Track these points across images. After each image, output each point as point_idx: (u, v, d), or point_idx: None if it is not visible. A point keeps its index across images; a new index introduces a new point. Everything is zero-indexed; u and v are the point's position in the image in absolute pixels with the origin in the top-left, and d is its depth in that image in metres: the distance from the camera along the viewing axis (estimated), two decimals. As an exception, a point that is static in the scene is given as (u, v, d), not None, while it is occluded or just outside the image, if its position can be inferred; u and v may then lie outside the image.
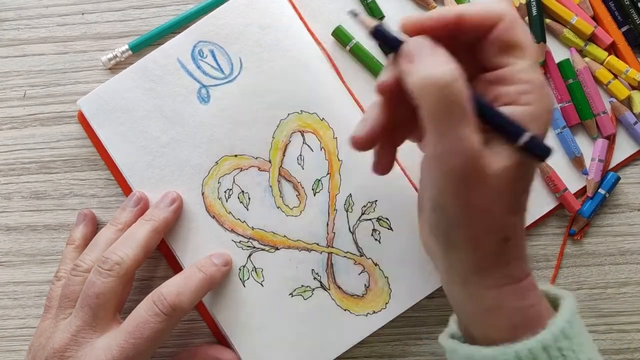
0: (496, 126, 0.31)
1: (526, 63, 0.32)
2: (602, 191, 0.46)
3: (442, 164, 0.30)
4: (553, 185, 0.46)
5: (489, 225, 0.32)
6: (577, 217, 0.47)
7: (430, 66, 0.30)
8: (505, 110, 0.31)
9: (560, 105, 0.47)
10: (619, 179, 0.46)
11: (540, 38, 0.46)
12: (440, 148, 0.30)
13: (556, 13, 0.47)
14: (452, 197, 0.31)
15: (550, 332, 0.32)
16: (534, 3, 0.46)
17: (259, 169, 0.45)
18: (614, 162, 0.47)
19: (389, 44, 0.32)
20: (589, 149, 0.47)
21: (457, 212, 0.32)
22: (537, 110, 0.31)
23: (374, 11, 0.46)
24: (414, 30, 0.32)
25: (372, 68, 0.46)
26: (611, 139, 0.47)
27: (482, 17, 0.32)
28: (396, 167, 0.45)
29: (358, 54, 0.46)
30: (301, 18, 0.46)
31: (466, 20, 0.32)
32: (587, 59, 0.47)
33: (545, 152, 0.31)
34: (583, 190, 0.47)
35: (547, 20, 0.47)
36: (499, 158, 0.31)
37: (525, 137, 0.30)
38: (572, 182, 0.47)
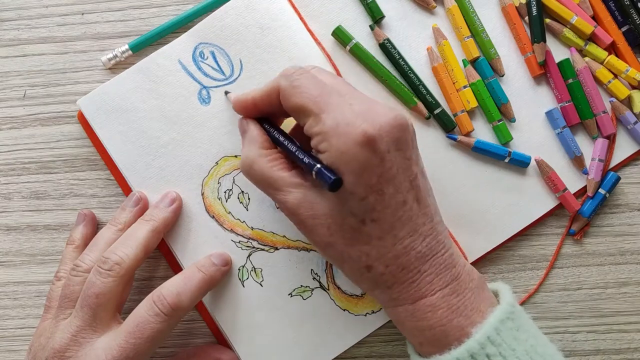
0: (302, 165, 0.37)
1: (310, 118, 0.36)
2: (602, 191, 0.46)
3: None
4: (553, 185, 0.46)
5: (340, 257, 0.37)
6: (577, 217, 0.47)
7: (243, 155, 0.39)
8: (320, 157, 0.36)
9: (560, 105, 0.47)
10: (619, 179, 0.46)
11: (540, 38, 0.46)
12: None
13: (556, 13, 0.46)
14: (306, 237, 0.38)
15: (475, 340, 0.34)
16: (533, 3, 0.46)
17: (259, 169, 0.45)
18: (614, 162, 0.47)
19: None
20: (589, 148, 0.47)
21: (316, 247, 0.38)
22: (334, 152, 0.34)
23: (374, 11, 0.46)
24: (240, 110, 0.41)
25: (372, 68, 0.46)
26: (611, 139, 0.47)
27: (267, 95, 0.39)
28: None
29: (358, 54, 0.46)
30: (301, 18, 0.46)
31: (257, 102, 0.39)
32: (587, 59, 0.47)
33: (333, 182, 0.34)
34: (583, 190, 0.47)
35: (547, 20, 0.47)
36: (325, 199, 0.36)
37: (315, 169, 0.35)
38: (572, 182, 0.47)
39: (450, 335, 0.35)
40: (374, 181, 0.34)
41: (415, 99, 0.46)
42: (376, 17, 0.46)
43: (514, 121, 0.47)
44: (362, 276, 0.37)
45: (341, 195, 0.35)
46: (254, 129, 0.40)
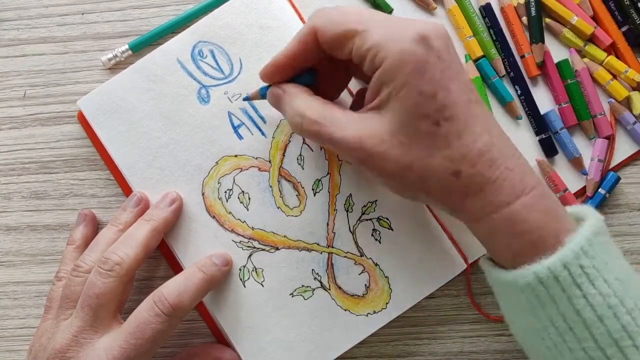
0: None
1: (356, 39, 0.35)
2: (602, 191, 0.46)
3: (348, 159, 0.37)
4: (553, 185, 0.46)
5: (422, 177, 0.35)
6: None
7: (288, 112, 0.38)
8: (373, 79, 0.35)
9: (558, 106, 0.47)
10: (619, 179, 0.46)
11: (539, 38, 0.46)
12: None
13: (556, 13, 0.47)
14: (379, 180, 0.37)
15: (570, 249, 0.32)
16: (532, 3, 0.46)
17: (259, 169, 0.45)
18: (614, 162, 0.47)
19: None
20: (587, 149, 0.47)
21: (393, 183, 0.36)
22: (393, 56, 0.33)
23: (383, 6, 0.46)
24: (271, 74, 0.39)
25: None
26: (611, 139, 0.47)
27: (302, 43, 0.37)
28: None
29: None
30: (301, 18, 0.46)
31: (293, 54, 0.37)
32: (586, 60, 0.47)
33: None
34: (583, 190, 0.47)
35: (547, 20, 0.47)
36: (388, 117, 0.34)
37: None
38: (572, 182, 0.47)
39: (547, 240, 0.33)
40: (438, 77, 0.33)
41: None
42: (385, 12, 0.47)
43: (521, 118, 0.47)
44: (451, 187, 0.34)
45: (410, 101, 0.33)
46: (291, 86, 0.38)
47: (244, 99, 0.45)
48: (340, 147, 0.35)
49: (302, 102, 0.37)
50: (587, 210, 0.36)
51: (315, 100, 0.37)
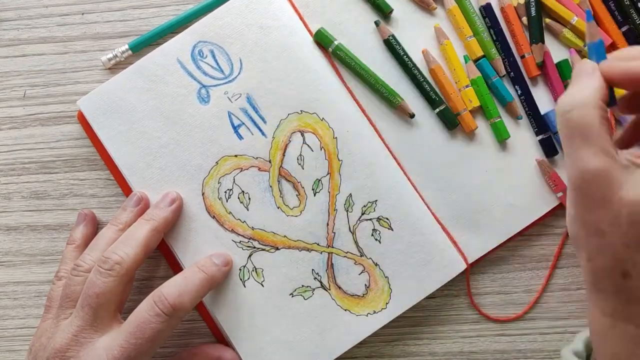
0: None
1: None
2: None
3: (568, 179, 0.33)
4: (554, 185, 0.46)
5: (602, 250, 0.31)
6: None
7: (569, 93, 0.33)
8: None
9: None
10: None
11: (538, 39, 0.46)
12: (567, 165, 0.32)
13: (556, 13, 0.47)
14: (571, 208, 0.33)
15: None
16: (532, 3, 0.46)
17: (259, 169, 0.45)
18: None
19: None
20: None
21: (574, 225, 0.33)
22: None
23: (383, 6, 0.46)
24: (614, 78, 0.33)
25: (355, 68, 0.46)
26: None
27: None
28: (397, 168, 0.45)
29: (341, 56, 0.46)
30: (301, 18, 0.46)
31: None
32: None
33: None
34: None
35: (547, 20, 0.47)
36: (635, 185, 0.30)
37: None
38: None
39: None
40: None
41: (400, 98, 0.46)
42: (385, 12, 0.46)
43: (521, 118, 0.47)
44: (611, 279, 0.32)
45: None
46: (602, 81, 0.33)
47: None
48: (575, 161, 0.32)
49: (591, 98, 0.32)
50: None
51: (600, 108, 0.32)
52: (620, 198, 0.30)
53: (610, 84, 0.33)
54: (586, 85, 0.33)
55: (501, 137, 0.46)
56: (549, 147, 0.47)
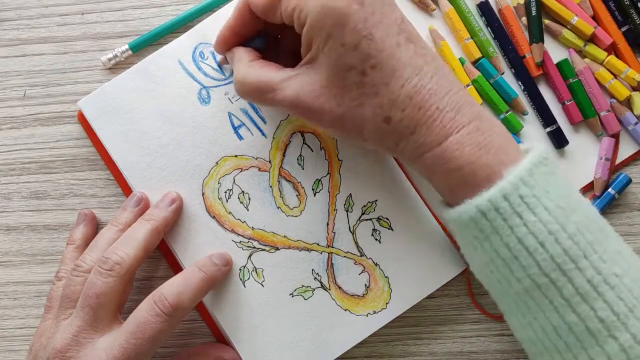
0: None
1: (282, 3, 0.36)
2: (611, 191, 0.46)
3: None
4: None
5: (355, 126, 0.36)
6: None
7: (234, 78, 0.40)
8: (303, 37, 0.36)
9: (561, 104, 0.47)
10: (630, 181, 0.46)
11: (538, 38, 0.46)
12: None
13: (556, 13, 0.47)
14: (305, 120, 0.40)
15: (508, 180, 0.33)
16: (533, 3, 0.46)
17: (259, 169, 0.45)
18: (616, 162, 0.47)
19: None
20: (593, 147, 0.47)
21: (331, 132, 0.40)
22: (313, 12, 0.34)
23: None
24: (221, 46, 0.42)
25: None
26: (617, 138, 0.47)
27: (238, 15, 0.40)
28: (397, 167, 0.45)
29: None
30: (301, 18, 0.46)
31: (233, 26, 0.40)
32: (586, 60, 0.47)
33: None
34: (590, 186, 0.47)
35: (546, 21, 0.47)
36: (319, 72, 0.36)
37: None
38: (580, 179, 0.47)
39: (478, 174, 0.34)
40: (360, 26, 0.34)
41: None
42: None
43: (527, 114, 0.47)
44: (385, 132, 0.36)
45: (334, 54, 0.34)
46: (239, 49, 0.41)
47: (217, 65, 0.46)
48: (281, 107, 0.38)
49: (243, 68, 0.39)
50: (536, 145, 0.36)
51: (254, 65, 0.39)
52: (323, 89, 0.36)
53: (238, 34, 0.41)
54: (235, 61, 0.40)
55: (515, 129, 0.46)
56: (559, 138, 0.47)
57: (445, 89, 0.35)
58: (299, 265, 0.45)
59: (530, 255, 0.33)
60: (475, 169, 0.34)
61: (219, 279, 0.43)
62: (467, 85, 0.46)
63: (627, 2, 0.47)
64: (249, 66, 0.39)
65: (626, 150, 0.47)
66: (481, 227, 0.34)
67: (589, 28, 0.46)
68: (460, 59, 0.47)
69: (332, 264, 0.45)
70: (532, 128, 0.47)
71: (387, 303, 0.45)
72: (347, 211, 0.45)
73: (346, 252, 0.45)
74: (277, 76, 0.37)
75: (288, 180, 0.45)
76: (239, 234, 0.45)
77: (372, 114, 0.35)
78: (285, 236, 0.45)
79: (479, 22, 0.47)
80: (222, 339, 0.46)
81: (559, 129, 0.46)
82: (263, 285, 0.45)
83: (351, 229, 0.45)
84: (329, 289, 0.45)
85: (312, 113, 0.37)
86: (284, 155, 0.45)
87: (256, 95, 0.38)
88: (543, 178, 0.34)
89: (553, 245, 0.33)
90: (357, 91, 0.35)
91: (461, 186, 0.35)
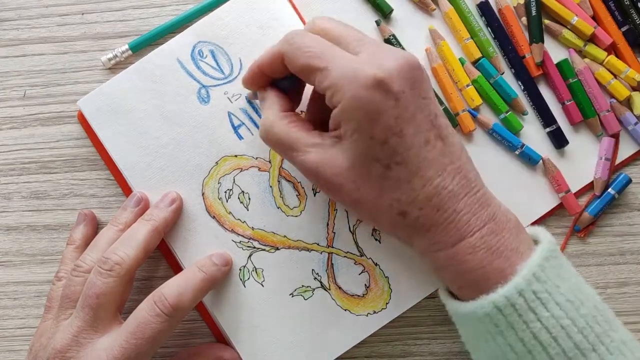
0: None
1: (318, 74, 0.35)
2: (611, 191, 0.46)
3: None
4: (557, 185, 0.46)
5: (371, 211, 0.37)
6: (583, 215, 0.47)
7: (262, 118, 0.39)
8: (332, 115, 0.36)
9: (561, 104, 0.47)
10: (630, 181, 0.46)
11: (538, 38, 0.46)
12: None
13: (556, 13, 0.47)
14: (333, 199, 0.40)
15: (523, 276, 0.34)
16: (533, 3, 0.46)
17: (259, 169, 0.45)
18: (616, 162, 0.47)
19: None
20: (593, 147, 0.47)
21: (346, 207, 0.39)
22: (347, 101, 0.34)
23: (383, 7, 0.46)
24: (250, 82, 0.41)
25: None
26: (617, 138, 0.47)
27: (270, 62, 0.38)
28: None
29: None
30: (301, 18, 0.46)
31: (264, 68, 0.39)
32: (586, 60, 0.47)
33: None
34: (590, 186, 0.47)
35: (546, 22, 0.47)
36: (345, 153, 0.36)
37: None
38: (580, 179, 0.47)
39: (490, 278, 0.35)
40: (392, 123, 0.34)
41: None
42: (385, 12, 0.46)
43: (527, 114, 0.47)
44: (398, 225, 0.36)
45: (362, 144, 0.35)
46: (271, 93, 0.40)
47: (247, 99, 0.45)
48: (299, 168, 0.38)
49: (272, 116, 0.38)
50: (540, 232, 0.38)
51: (284, 119, 0.38)
52: (346, 169, 0.36)
53: (254, 85, 0.41)
54: (265, 110, 0.39)
55: (514, 129, 0.46)
56: (559, 138, 0.47)
57: (465, 190, 0.36)
58: (299, 265, 0.45)
59: (544, 350, 0.34)
60: (486, 272, 0.35)
61: (219, 279, 0.43)
62: (467, 85, 0.46)
63: (627, 2, 0.47)
64: (279, 117, 0.38)
65: (626, 150, 0.47)
66: (496, 322, 0.35)
67: (588, 28, 0.46)
68: (460, 59, 0.47)
69: (332, 264, 0.45)
70: (532, 128, 0.47)
71: (387, 303, 0.45)
72: (347, 211, 0.45)
73: (346, 252, 0.45)
74: (303, 139, 0.37)
75: (288, 180, 0.45)
76: (239, 234, 0.45)
77: (389, 206, 0.36)
78: (285, 236, 0.45)
79: (479, 22, 0.47)
80: (222, 339, 0.46)
81: (559, 129, 0.46)
82: (263, 285, 0.45)
83: (351, 229, 0.45)
84: (329, 289, 0.45)
85: (328, 186, 0.37)
86: (284, 155, 0.45)
87: (277, 147, 0.38)
88: (553, 272, 0.35)
89: (565, 340, 0.34)
90: (378, 182, 0.35)
91: (470, 287, 0.36)
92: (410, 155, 0.35)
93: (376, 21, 0.47)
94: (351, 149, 0.35)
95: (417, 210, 0.35)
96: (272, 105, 0.39)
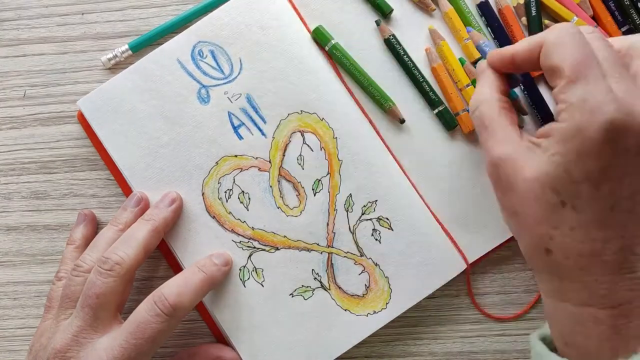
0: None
1: (562, 83, 0.33)
2: None
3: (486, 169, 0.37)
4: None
5: (521, 230, 0.35)
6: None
7: (475, 93, 0.39)
8: (550, 125, 0.34)
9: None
10: None
11: (539, 38, 0.46)
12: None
13: (556, 13, 0.47)
14: (495, 194, 0.37)
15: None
16: (533, 3, 0.46)
17: (259, 169, 0.45)
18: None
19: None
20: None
21: (500, 210, 0.37)
22: (572, 128, 0.32)
23: (383, 6, 0.46)
24: (496, 62, 0.39)
25: (349, 68, 0.46)
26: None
27: (529, 51, 0.36)
28: (397, 168, 0.45)
29: (336, 55, 0.46)
30: (301, 18, 0.46)
31: (517, 56, 0.37)
32: (586, 59, 0.47)
33: None
34: None
35: (546, 21, 0.47)
36: (534, 164, 0.33)
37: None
38: None
39: (602, 355, 0.32)
40: (596, 173, 0.31)
41: (391, 102, 0.46)
42: (385, 12, 0.46)
43: (527, 114, 0.47)
44: (538, 257, 0.34)
45: (555, 170, 0.32)
46: (495, 74, 0.39)
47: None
48: (486, 150, 0.36)
49: (488, 93, 0.38)
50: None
51: (498, 100, 0.37)
52: (524, 178, 0.33)
53: (497, 71, 0.39)
54: (483, 83, 0.39)
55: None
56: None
57: (618, 267, 0.32)
58: (299, 265, 0.45)
59: None
60: (601, 347, 0.33)
61: (219, 279, 0.43)
62: (467, 85, 0.46)
63: (627, 2, 0.47)
64: (494, 97, 0.37)
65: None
66: None
67: (589, 28, 0.46)
68: (460, 59, 0.47)
69: (332, 264, 0.45)
70: (532, 128, 0.47)
71: (387, 303, 0.45)
72: (347, 211, 0.45)
73: (346, 252, 0.45)
74: (503, 129, 0.36)
75: (288, 180, 0.45)
76: (239, 234, 0.45)
77: (540, 235, 0.34)
78: (285, 236, 0.45)
79: (479, 22, 0.47)
80: (222, 339, 0.46)
81: None
82: (263, 285, 0.45)
83: (351, 229, 0.45)
84: (329, 289, 0.45)
85: (499, 186, 0.36)
86: (283, 155, 0.45)
87: (478, 123, 0.37)
88: None
89: None
90: (544, 210, 0.33)
91: (577, 350, 0.34)
92: (590, 209, 0.32)
93: (376, 21, 0.47)
94: (543, 166, 0.33)
95: (563, 257, 0.33)
96: (491, 83, 0.38)
